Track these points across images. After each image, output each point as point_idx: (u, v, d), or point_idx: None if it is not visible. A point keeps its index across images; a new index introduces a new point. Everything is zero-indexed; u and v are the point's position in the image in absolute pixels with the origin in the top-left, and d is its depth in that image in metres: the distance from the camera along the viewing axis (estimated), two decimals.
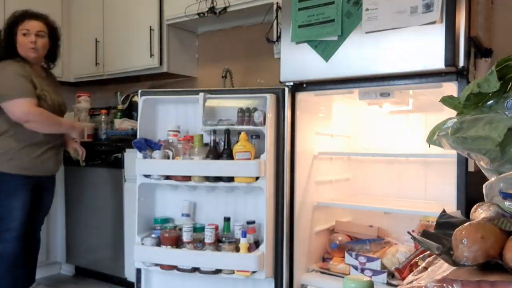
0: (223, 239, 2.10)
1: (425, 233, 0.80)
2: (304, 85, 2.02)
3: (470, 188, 1.64)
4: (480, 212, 0.81)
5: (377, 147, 2.41)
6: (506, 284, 0.60)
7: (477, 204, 0.86)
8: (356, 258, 2.05)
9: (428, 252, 0.83)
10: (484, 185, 0.83)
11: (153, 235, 2.21)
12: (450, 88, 1.67)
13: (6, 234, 2.28)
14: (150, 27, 3.08)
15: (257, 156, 2.05)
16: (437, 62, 1.61)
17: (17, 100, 2.20)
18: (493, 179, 0.80)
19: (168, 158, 2.17)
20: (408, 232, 1.02)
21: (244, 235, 2.03)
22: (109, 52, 3.39)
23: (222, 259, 2.06)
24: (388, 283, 1.96)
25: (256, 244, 2.09)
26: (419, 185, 2.26)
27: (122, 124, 3.06)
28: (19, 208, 2.29)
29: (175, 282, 2.31)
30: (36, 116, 2.24)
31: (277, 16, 2.51)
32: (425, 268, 0.79)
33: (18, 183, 2.28)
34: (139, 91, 2.36)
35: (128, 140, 2.84)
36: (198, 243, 2.12)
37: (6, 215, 2.28)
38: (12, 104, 2.20)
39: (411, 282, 0.71)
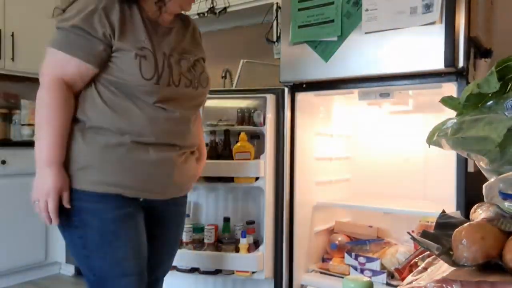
0: (223, 239, 2.10)
1: (424, 234, 0.80)
2: (304, 86, 2.02)
3: (470, 189, 1.64)
4: (479, 213, 0.81)
5: (376, 147, 2.41)
6: (506, 284, 0.60)
7: (476, 204, 0.86)
8: (356, 259, 2.05)
9: (428, 252, 0.83)
10: (483, 186, 0.83)
11: None
12: (450, 88, 1.67)
13: None
14: None
15: (256, 157, 2.05)
16: (437, 62, 1.61)
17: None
18: (492, 179, 0.80)
19: None
20: (408, 233, 1.02)
21: (243, 235, 2.03)
22: None
23: (222, 259, 2.06)
24: (387, 284, 1.96)
25: (256, 244, 2.09)
26: (419, 185, 2.26)
27: None
28: None
29: (174, 282, 2.31)
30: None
31: (277, 16, 2.52)
32: (425, 269, 0.79)
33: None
34: None
35: None
36: (198, 244, 2.12)
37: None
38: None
39: (411, 282, 0.71)
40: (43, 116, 1.23)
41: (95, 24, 1.23)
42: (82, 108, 1.29)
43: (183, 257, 2.10)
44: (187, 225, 2.14)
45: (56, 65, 1.25)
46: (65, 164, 1.25)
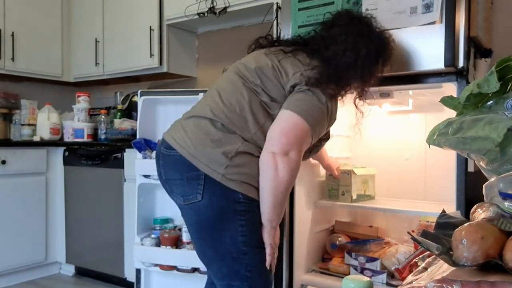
0: None
1: (424, 234, 0.80)
2: None
3: (470, 189, 1.64)
4: (479, 213, 0.81)
5: (376, 147, 2.41)
6: (506, 284, 0.60)
7: (476, 204, 0.86)
8: (356, 258, 2.05)
9: (428, 252, 0.83)
10: (483, 186, 0.83)
11: (152, 235, 2.21)
12: (450, 88, 1.67)
13: None
14: (150, 27, 3.08)
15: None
16: (437, 62, 1.61)
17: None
18: (492, 179, 0.80)
19: None
20: (408, 232, 1.02)
21: None
22: (109, 52, 3.39)
23: None
24: (388, 284, 1.96)
25: None
26: (419, 185, 2.26)
27: (121, 124, 3.06)
28: None
29: (174, 282, 2.31)
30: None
31: (277, 16, 2.52)
32: (425, 269, 0.79)
33: None
34: (139, 91, 2.36)
35: (128, 140, 2.84)
36: None
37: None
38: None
39: (411, 282, 0.71)
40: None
41: None
42: None
43: (183, 257, 2.11)
44: None
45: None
46: None
